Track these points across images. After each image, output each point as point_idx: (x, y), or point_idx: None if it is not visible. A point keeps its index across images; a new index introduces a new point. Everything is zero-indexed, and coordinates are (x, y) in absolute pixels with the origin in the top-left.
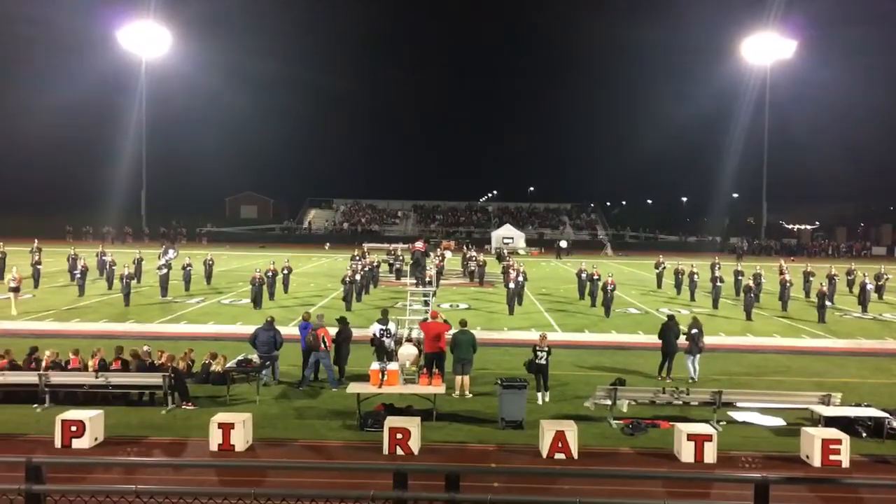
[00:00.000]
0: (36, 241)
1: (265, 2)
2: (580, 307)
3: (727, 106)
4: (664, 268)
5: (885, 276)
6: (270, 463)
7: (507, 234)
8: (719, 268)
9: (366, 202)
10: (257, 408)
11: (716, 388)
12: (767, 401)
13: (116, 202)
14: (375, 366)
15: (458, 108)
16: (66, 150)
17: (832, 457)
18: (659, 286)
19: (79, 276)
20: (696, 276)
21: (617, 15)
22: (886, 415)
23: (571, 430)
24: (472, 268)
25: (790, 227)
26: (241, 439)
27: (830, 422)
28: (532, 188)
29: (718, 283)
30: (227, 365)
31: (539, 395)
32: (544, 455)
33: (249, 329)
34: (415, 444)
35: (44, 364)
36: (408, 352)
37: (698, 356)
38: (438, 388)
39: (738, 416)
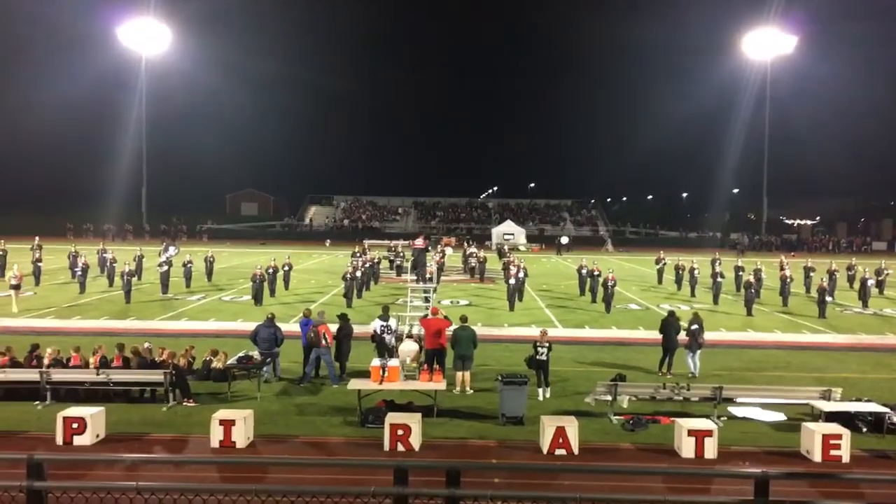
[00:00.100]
0: (37, 238)
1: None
2: (581, 303)
3: (727, 102)
4: (665, 263)
5: (885, 272)
6: (271, 459)
7: (508, 231)
8: (720, 263)
9: (366, 199)
10: (258, 404)
11: (716, 383)
12: (768, 396)
13: (117, 199)
14: (376, 362)
15: (458, 108)
16: (66, 147)
17: (832, 452)
18: (659, 282)
19: (80, 273)
20: (696, 272)
21: (617, 15)
22: (887, 410)
23: (572, 426)
24: (473, 264)
25: (791, 222)
26: (242, 436)
27: (831, 417)
28: (532, 184)
29: (719, 279)
30: (228, 362)
31: (540, 391)
32: (545, 451)
33: (250, 326)
34: (415, 441)
35: (45, 361)
36: (408, 348)
37: (699, 352)
38: (439, 385)
39: (739, 411)
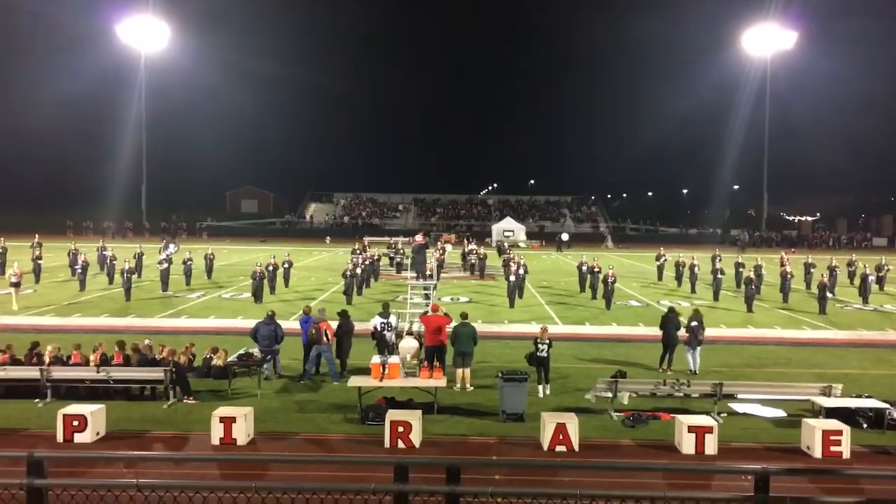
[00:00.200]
0: (36, 236)
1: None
2: (581, 300)
3: (728, 98)
4: (665, 260)
5: (885, 267)
6: (272, 456)
7: (508, 227)
8: (720, 260)
9: (366, 196)
10: (258, 402)
11: (716, 379)
12: (768, 392)
13: (117, 197)
14: (376, 359)
15: (458, 108)
16: (66, 144)
17: (833, 448)
18: (660, 278)
19: (79, 271)
20: (696, 269)
21: (617, 15)
22: (887, 406)
23: (572, 423)
24: (473, 261)
25: (791, 218)
26: (242, 433)
27: (831, 413)
28: (532, 181)
29: (719, 276)
30: (229, 359)
31: (540, 387)
32: (545, 447)
33: (250, 323)
34: (416, 438)
35: (46, 359)
36: (409, 345)
37: (698, 349)
38: (439, 382)
39: (739, 407)
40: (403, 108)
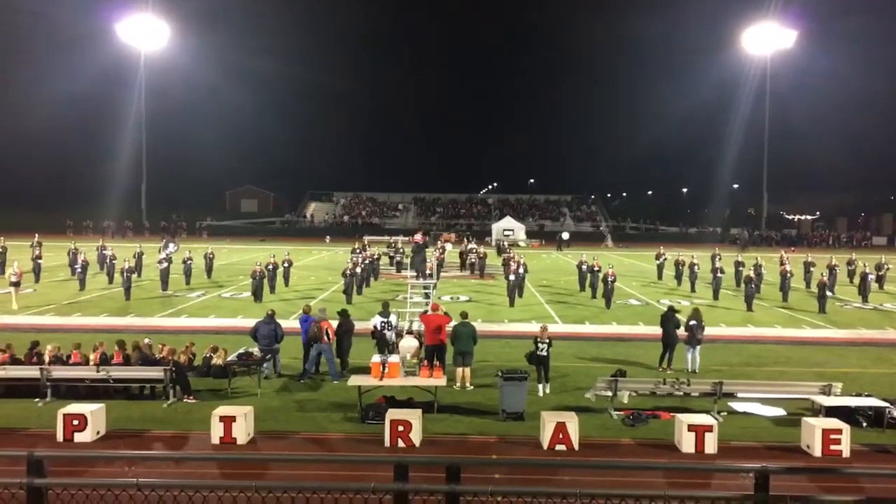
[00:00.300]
0: (36, 235)
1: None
2: (581, 299)
3: (727, 97)
4: (665, 259)
5: (885, 266)
6: (272, 456)
7: (508, 226)
8: (720, 259)
9: (366, 195)
10: (258, 401)
11: (716, 378)
12: (768, 391)
13: (117, 196)
14: (376, 358)
15: (458, 108)
16: (66, 144)
17: (833, 446)
18: (659, 277)
19: (79, 270)
20: (696, 268)
21: (617, 14)
22: (887, 404)
23: (572, 422)
24: (473, 260)
25: (791, 217)
26: (242, 432)
27: (831, 412)
28: (532, 180)
29: (719, 274)
30: (228, 358)
31: (540, 386)
32: (545, 446)
33: (250, 322)
34: (416, 437)
35: (45, 358)
36: (409, 344)
37: (698, 348)
38: (439, 381)
39: (739, 406)
40: (403, 108)
